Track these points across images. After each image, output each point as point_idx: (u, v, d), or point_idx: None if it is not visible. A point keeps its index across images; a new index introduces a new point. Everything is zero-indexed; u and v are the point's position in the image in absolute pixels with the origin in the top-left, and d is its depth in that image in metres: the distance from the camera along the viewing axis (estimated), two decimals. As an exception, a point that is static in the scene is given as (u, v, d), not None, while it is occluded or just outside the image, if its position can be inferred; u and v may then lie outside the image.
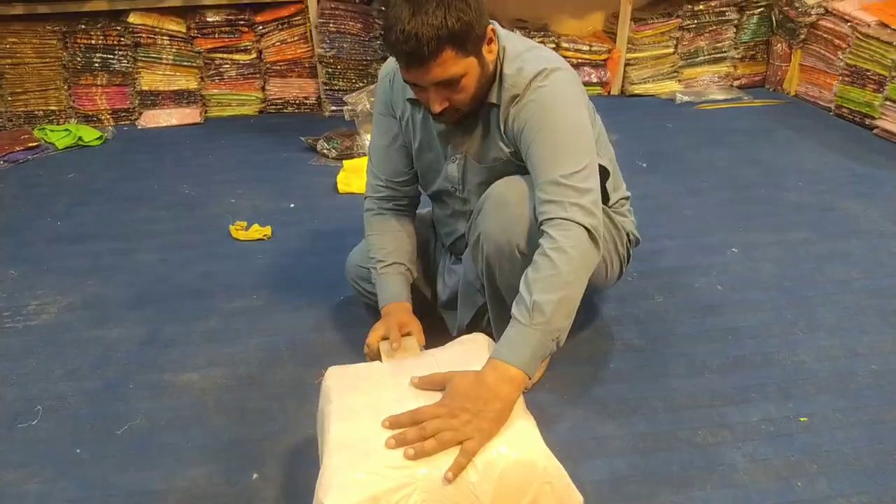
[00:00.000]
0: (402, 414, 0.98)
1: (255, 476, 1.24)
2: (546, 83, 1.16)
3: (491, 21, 1.16)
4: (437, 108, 1.15)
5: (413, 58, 1.07)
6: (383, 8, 2.83)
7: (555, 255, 1.06)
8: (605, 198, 1.32)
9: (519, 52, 1.19)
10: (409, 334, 1.24)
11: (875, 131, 2.73)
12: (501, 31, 1.21)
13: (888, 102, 2.67)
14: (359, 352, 1.52)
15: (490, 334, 1.26)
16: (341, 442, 0.97)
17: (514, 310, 1.07)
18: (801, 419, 1.34)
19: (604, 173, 1.26)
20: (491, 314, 1.34)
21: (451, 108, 1.16)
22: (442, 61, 1.08)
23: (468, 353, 1.12)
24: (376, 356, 1.22)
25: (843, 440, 1.29)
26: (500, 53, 1.19)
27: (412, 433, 0.95)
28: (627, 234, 1.41)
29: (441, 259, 1.53)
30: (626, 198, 1.45)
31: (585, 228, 1.08)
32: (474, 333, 1.21)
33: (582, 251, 1.08)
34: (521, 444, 0.98)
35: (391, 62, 1.30)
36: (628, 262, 1.45)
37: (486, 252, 1.22)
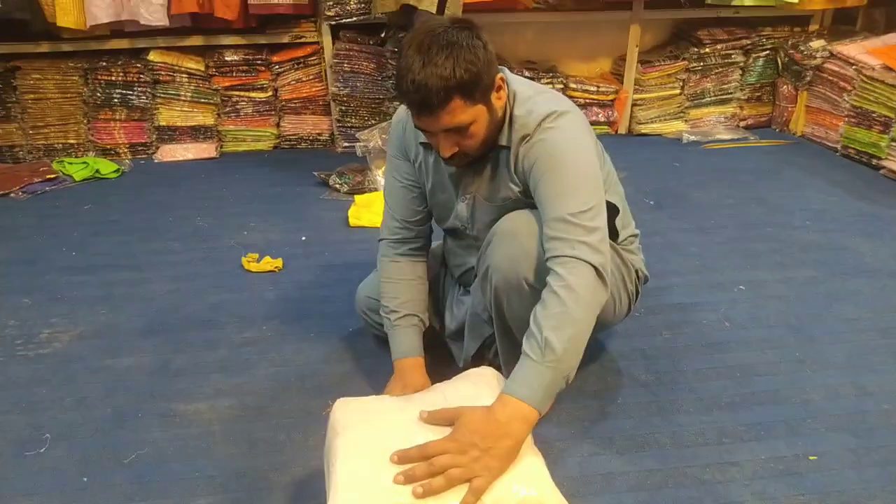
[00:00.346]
0: (411, 449, 0.98)
1: (260, 507, 1.24)
2: (555, 124, 1.19)
3: (501, 68, 1.20)
4: (446, 153, 1.19)
5: (423, 106, 1.11)
6: (396, 50, 2.91)
7: (563, 292, 1.07)
8: (614, 235, 1.34)
9: (529, 96, 1.23)
10: None
11: (882, 171, 2.75)
12: (511, 77, 1.25)
13: (894, 143, 2.70)
14: (367, 383, 1.53)
15: (495, 365, 1.26)
16: (349, 477, 0.97)
17: (526, 346, 1.08)
18: (811, 458, 1.33)
19: (613, 210, 1.28)
20: (499, 346, 1.35)
21: (461, 152, 1.20)
22: (451, 110, 1.11)
23: (476, 387, 1.12)
24: None
25: (854, 480, 1.27)
26: (510, 97, 1.22)
27: (421, 469, 0.95)
28: (636, 271, 1.43)
29: (450, 291, 1.55)
30: (635, 235, 1.46)
31: (593, 266, 1.10)
32: (482, 367, 1.21)
33: (590, 289, 1.09)
34: (529, 482, 0.98)
35: (403, 108, 1.34)
36: (637, 299, 1.46)
37: (495, 284, 1.24)
